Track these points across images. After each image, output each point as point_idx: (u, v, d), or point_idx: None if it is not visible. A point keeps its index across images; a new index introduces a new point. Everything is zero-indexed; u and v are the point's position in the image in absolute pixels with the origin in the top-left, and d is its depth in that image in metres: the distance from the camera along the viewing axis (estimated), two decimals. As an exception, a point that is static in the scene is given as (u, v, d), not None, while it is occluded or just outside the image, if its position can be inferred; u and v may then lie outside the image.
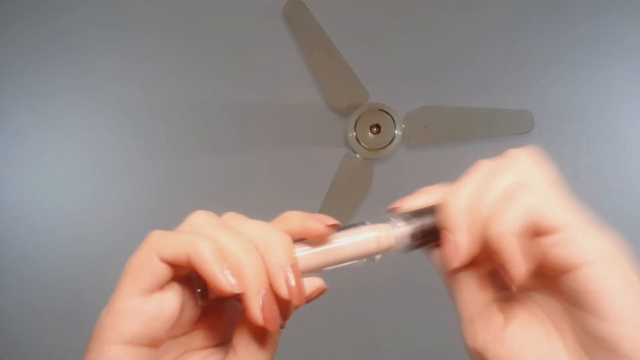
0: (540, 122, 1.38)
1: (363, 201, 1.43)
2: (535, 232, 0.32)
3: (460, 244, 0.34)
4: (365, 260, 0.37)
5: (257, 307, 0.31)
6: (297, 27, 1.40)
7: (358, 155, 1.42)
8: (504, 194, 0.34)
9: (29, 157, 1.48)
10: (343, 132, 1.44)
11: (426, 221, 0.37)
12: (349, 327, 1.47)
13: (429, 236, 0.37)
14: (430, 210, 0.37)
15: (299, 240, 0.36)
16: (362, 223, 0.38)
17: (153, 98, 1.47)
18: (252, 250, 0.33)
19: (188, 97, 1.47)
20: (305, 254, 0.35)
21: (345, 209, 1.43)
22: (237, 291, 0.31)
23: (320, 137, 1.46)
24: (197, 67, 1.46)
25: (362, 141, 1.41)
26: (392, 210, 0.40)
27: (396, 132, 1.40)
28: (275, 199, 1.46)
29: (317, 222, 0.35)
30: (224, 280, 0.31)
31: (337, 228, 0.36)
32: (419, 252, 0.39)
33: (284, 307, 0.33)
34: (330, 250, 0.36)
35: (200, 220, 0.35)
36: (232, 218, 0.36)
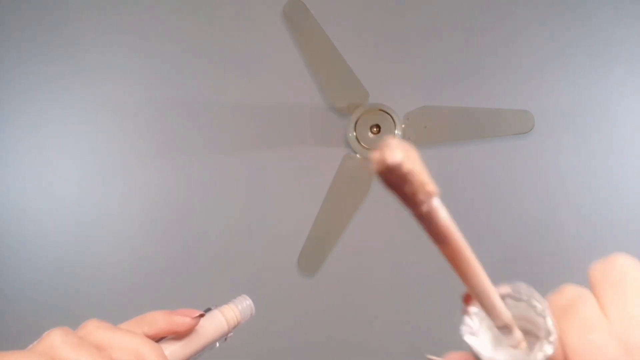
0: (540, 122, 1.38)
1: (363, 201, 1.43)
2: None
3: None
4: (223, 339, 0.40)
5: None
6: (297, 27, 1.39)
7: (358, 155, 1.42)
8: None
9: (29, 157, 1.48)
10: (343, 132, 1.43)
11: None
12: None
13: None
14: None
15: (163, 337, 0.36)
16: (209, 309, 0.40)
17: (153, 98, 1.47)
18: None
19: (188, 97, 1.47)
20: (175, 351, 0.37)
21: (345, 209, 1.43)
22: None
23: (320, 137, 1.46)
24: (197, 67, 1.46)
25: (362, 141, 1.41)
26: None
27: (396, 132, 1.40)
28: (275, 199, 1.46)
29: (183, 318, 0.35)
30: None
31: (202, 316, 0.38)
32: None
33: None
34: (194, 339, 0.38)
35: (57, 341, 0.31)
36: (95, 330, 0.32)
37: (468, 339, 0.25)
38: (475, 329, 0.26)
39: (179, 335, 0.36)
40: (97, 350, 0.30)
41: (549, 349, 0.24)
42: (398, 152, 0.19)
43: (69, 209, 1.49)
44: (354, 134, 1.41)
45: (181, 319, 0.35)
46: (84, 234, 1.49)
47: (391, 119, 1.40)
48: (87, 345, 0.30)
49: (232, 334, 0.40)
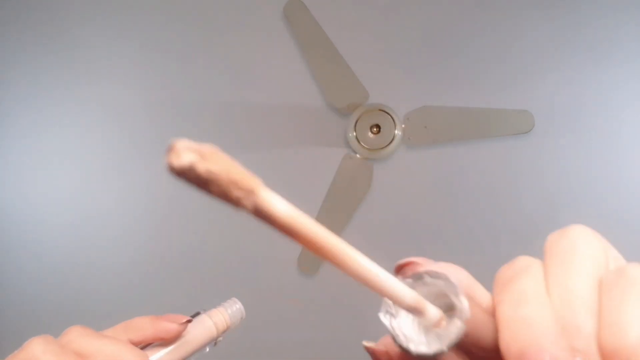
0: (540, 122, 1.38)
1: (363, 201, 1.43)
2: None
3: None
4: (213, 344, 0.39)
5: None
6: (297, 27, 1.40)
7: (358, 155, 1.42)
8: (600, 286, 0.22)
9: (29, 157, 1.48)
10: (343, 132, 1.43)
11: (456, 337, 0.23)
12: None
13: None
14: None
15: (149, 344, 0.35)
16: (198, 313, 0.39)
17: (153, 98, 1.47)
18: None
19: (188, 98, 1.47)
20: (161, 358, 0.36)
21: (345, 209, 1.43)
22: None
23: (320, 137, 1.46)
24: (197, 67, 1.46)
25: (362, 141, 1.41)
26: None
27: (396, 132, 1.40)
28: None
29: (170, 324, 0.34)
30: None
31: (189, 322, 0.37)
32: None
33: None
34: (181, 345, 0.37)
35: (39, 350, 0.30)
36: (77, 338, 0.31)
37: (383, 319, 0.24)
38: (395, 310, 0.24)
39: (165, 342, 0.35)
40: (79, 358, 0.30)
41: (459, 324, 0.22)
42: (186, 154, 0.17)
43: (69, 209, 1.49)
44: (354, 134, 1.41)
45: (168, 325, 0.34)
46: (83, 233, 1.49)
47: (391, 119, 1.40)
48: (69, 354, 0.30)
49: (221, 338, 0.40)
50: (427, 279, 0.25)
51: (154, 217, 1.48)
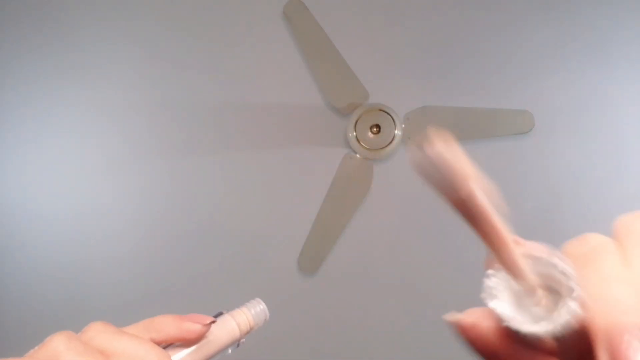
0: (540, 122, 1.38)
1: (363, 201, 1.43)
2: None
3: None
4: (236, 346, 0.39)
5: None
6: (297, 27, 1.40)
7: (358, 155, 1.42)
8: None
9: (29, 157, 1.48)
10: (343, 132, 1.43)
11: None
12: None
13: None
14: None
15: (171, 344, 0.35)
16: (220, 313, 0.39)
17: (153, 98, 1.47)
18: None
19: (188, 97, 1.47)
20: (184, 359, 0.35)
21: (345, 209, 1.43)
22: None
23: (320, 137, 1.46)
24: (197, 67, 1.46)
25: (362, 141, 1.41)
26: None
27: (396, 132, 1.40)
28: (275, 199, 1.46)
29: (194, 324, 0.34)
30: None
31: (214, 322, 0.36)
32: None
33: None
34: (204, 346, 0.36)
35: (62, 347, 0.29)
36: (99, 335, 0.31)
37: (489, 302, 0.25)
38: (495, 291, 0.26)
39: (188, 342, 0.35)
40: (102, 356, 0.29)
41: (573, 306, 0.23)
42: (438, 144, 0.21)
43: (69, 208, 1.49)
44: (354, 134, 1.41)
45: (191, 326, 0.34)
46: (83, 233, 1.49)
47: (391, 119, 1.40)
48: (92, 352, 0.29)
49: (244, 339, 0.39)
50: (529, 260, 0.26)
51: (153, 216, 1.48)
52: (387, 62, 1.45)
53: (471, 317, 0.26)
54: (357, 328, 1.48)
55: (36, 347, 0.30)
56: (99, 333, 0.31)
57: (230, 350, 0.38)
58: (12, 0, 1.44)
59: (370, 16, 1.45)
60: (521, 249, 0.26)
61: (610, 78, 1.40)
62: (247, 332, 0.39)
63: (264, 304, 0.41)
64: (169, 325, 0.33)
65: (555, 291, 0.25)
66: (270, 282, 1.47)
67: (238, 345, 0.39)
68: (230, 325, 0.38)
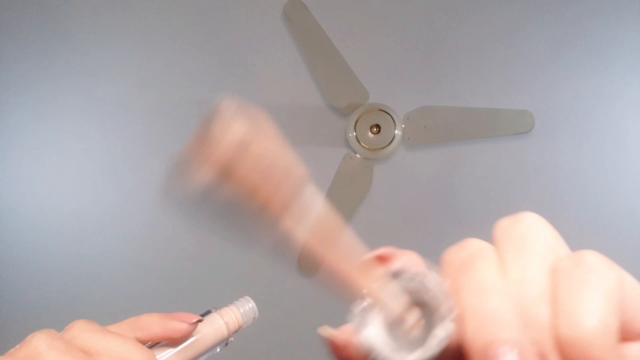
0: (540, 122, 1.38)
1: (363, 201, 1.43)
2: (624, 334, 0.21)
3: None
4: (224, 345, 0.38)
5: None
6: (297, 27, 1.40)
7: (358, 155, 1.42)
8: (554, 273, 0.22)
9: (28, 157, 1.48)
10: (343, 132, 1.43)
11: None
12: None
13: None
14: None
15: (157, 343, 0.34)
16: (209, 311, 0.38)
17: (153, 98, 1.47)
18: None
19: (188, 97, 1.47)
20: (169, 359, 0.34)
21: (345, 209, 1.43)
22: None
23: (320, 137, 1.46)
24: (197, 67, 1.46)
25: (362, 141, 1.41)
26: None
27: (396, 132, 1.40)
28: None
29: (179, 324, 0.33)
30: None
31: (200, 321, 0.35)
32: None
33: None
34: (191, 345, 0.35)
35: (43, 346, 0.28)
36: (83, 334, 0.30)
37: (359, 333, 0.23)
38: (365, 319, 0.23)
39: (174, 341, 0.34)
40: (85, 355, 0.28)
41: (448, 327, 0.22)
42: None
43: (69, 208, 1.49)
44: (354, 134, 1.41)
45: (177, 325, 0.33)
46: (83, 233, 1.49)
47: (391, 119, 1.40)
48: (74, 351, 0.28)
49: (232, 338, 0.38)
50: (405, 276, 0.24)
51: (153, 216, 1.48)
52: (387, 62, 1.45)
53: (344, 335, 0.24)
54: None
55: (17, 346, 0.29)
56: (82, 332, 0.30)
57: (218, 349, 0.37)
58: (12, 1, 1.44)
59: (371, 16, 1.45)
60: (387, 268, 0.24)
61: (610, 78, 1.40)
62: (236, 331, 0.38)
63: (253, 302, 0.39)
64: (154, 324, 0.32)
65: (431, 307, 0.23)
66: (270, 282, 1.47)
67: (227, 344, 0.38)
68: (218, 324, 0.37)
